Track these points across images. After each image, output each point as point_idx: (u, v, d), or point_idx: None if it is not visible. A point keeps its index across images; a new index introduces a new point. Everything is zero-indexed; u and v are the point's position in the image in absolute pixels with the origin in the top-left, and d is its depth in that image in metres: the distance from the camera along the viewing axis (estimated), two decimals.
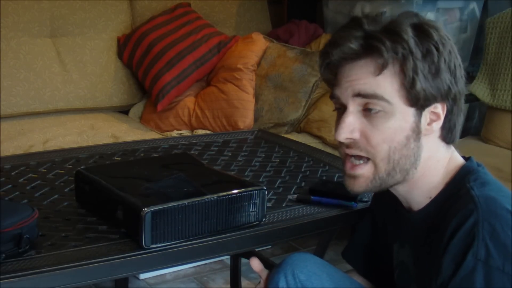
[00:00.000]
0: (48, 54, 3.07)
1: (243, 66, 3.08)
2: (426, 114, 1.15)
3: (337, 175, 1.75)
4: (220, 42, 3.20)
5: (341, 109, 1.18)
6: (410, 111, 1.14)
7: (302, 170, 1.79)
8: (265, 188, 1.42)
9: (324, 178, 1.73)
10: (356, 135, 1.16)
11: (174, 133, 3.01)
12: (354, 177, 1.19)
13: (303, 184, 1.68)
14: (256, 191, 1.40)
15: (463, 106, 1.19)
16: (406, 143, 1.15)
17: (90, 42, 3.17)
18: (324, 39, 3.34)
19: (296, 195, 1.58)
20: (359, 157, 1.18)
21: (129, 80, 3.26)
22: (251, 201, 1.40)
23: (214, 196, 1.35)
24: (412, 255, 1.25)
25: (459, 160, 1.22)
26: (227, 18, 3.52)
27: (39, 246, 1.27)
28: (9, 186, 1.60)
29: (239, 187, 1.41)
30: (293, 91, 2.99)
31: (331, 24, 3.58)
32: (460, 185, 1.16)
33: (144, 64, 3.16)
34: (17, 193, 1.56)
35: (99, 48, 3.19)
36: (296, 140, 2.25)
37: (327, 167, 1.80)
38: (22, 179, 1.65)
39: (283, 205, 1.54)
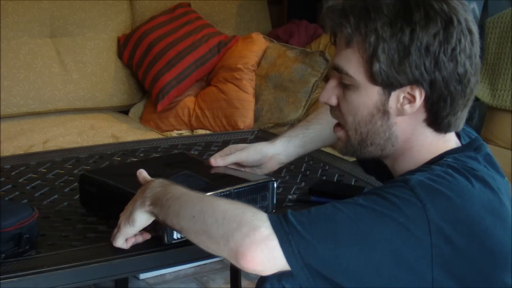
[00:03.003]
0: (48, 54, 3.07)
1: (243, 66, 3.08)
2: (400, 94, 1.12)
3: (337, 175, 1.74)
4: (220, 42, 3.20)
5: None
6: (375, 89, 1.12)
7: (302, 170, 1.79)
8: (274, 179, 1.42)
9: (324, 178, 1.73)
10: (333, 102, 1.19)
11: (174, 133, 3.01)
12: (336, 137, 1.23)
13: (303, 184, 1.67)
14: (267, 182, 1.41)
15: (455, 96, 1.11)
16: (370, 120, 1.15)
17: (90, 42, 3.17)
18: (324, 39, 3.34)
19: (296, 195, 1.58)
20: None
21: (129, 80, 3.27)
22: (263, 193, 1.40)
23: (233, 188, 1.35)
24: None
25: (452, 145, 1.19)
26: (227, 18, 3.52)
27: (39, 246, 1.26)
28: (9, 186, 1.60)
29: (249, 180, 1.41)
30: (293, 91, 2.99)
31: None
32: (437, 160, 1.14)
33: (144, 64, 3.17)
34: (17, 193, 1.56)
35: (99, 48, 3.19)
36: None
37: (327, 167, 1.80)
38: (22, 179, 1.65)
39: (283, 205, 1.54)
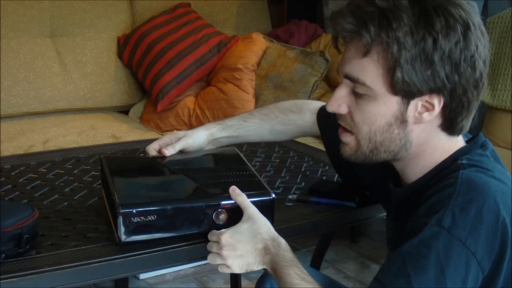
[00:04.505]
0: (48, 54, 3.07)
1: (243, 66, 3.08)
2: (418, 103, 1.12)
3: (337, 175, 1.74)
4: (220, 42, 3.20)
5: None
6: (394, 99, 1.11)
7: (302, 170, 1.79)
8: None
9: (324, 178, 1.73)
10: (344, 110, 1.17)
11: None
12: (342, 142, 1.21)
13: (303, 184, 1.67)
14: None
15: (471, 101, 1.13)
16: (387, 129, 1.14)
17: (90, 42, 3.17)
18: (324, 39, 3.34)
19: (296, 195, 1.58)
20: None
21: (129, 80, 3.26)
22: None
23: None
24: (394, 231, 1.25)
25: (460, 145, 1.19)
26: (227, 18, 3.52)
27: (39, 246, 1.26)
28: (9, 186, 1.60)
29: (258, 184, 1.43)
30: (293, 91, 2.99)
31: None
32: (451, 164, 1.14)
33: (144, 64, 3.16)
34: (17, 193, 1.56)
35: (99, 48, 3.19)
36: (296, 140, 2.25)
37: (327, 167, 1.80)
38: (22, 179, 1.65)
39: (283, 205, 1.54)
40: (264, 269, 1.25)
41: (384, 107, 1.12)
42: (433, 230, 1.04)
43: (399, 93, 1.11)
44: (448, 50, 1.08)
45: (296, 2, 3.83)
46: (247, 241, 1.23)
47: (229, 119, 1.59)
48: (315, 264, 2.33)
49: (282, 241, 1.23)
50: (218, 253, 1.25)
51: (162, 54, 3.13)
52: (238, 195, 1.30)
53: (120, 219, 1.25)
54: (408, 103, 1.12)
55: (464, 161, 1.13)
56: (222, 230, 1.26)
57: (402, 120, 1.13)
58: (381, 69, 1.10)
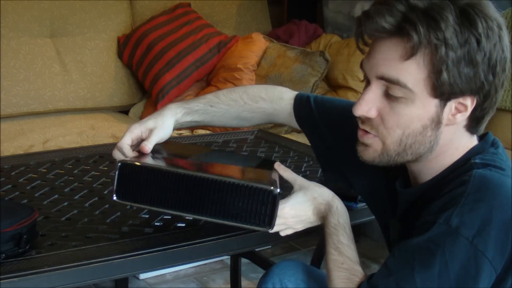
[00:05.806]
0: (48, 54, 3.07)
1: (243, 66, 3.08)
2: (452, 104, 1.10)
3: None
4: (220, 42, 3.20)
5: (368, 82, 1.15)
6: (433, 102, 1.09)
7: (302, 170, 1.79)
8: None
9: (324, 178, 1.73)
10: (373, 114, 1.13)
11: (174, 133, 3.01)
12: (364, 144, 1.17)
13: None
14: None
15: (497, 100, 1.13)
16: (422, 131, 1.11)
17: (90, 42, 3.17)
18: (324, 39, 3.34)
19: None
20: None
21: (129, 80, 3.27)
22: None
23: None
24: (399, 233, 1.25)
25: (474, 144, 1.18)
26: (227, 18, 3.52)
27: (39, 246, 1.27)
28: (9, 186, 1.60)
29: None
30: None
31: (331, 24, 3.58)
32: (464, 163, 1.13)
33: (144, 64, 3.17)
34: (17, 193, 1.56)
35: (99, 48, 3.19)
36: (296, 140, 2.25)
37: None
38: (22, 179, 1.65)
39: None
40: (265, 268, 1.25)
41: (421, 110, 1.10)
42: (442, 228, 1.04)
43: (440, 95, 1.08)
44: (489, 51, 1.07)
45: (296, 2, 3.83)
46: (307, 208, 1.28)
47: (195, 102, 1.50)
48: (315, 264, 2.33)
49: (334, 204, 1.28)
50: (283, 224, 1.28)
51: (162, 54, 3.13)
52: (285, 170, 1.34)
53: (277, 206, 1.24)
54: (444, 105, 1.10)
55: (477, 161, 1.12)
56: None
57: (437, 122, 1.11)
58: (425, 71, 1.07)
